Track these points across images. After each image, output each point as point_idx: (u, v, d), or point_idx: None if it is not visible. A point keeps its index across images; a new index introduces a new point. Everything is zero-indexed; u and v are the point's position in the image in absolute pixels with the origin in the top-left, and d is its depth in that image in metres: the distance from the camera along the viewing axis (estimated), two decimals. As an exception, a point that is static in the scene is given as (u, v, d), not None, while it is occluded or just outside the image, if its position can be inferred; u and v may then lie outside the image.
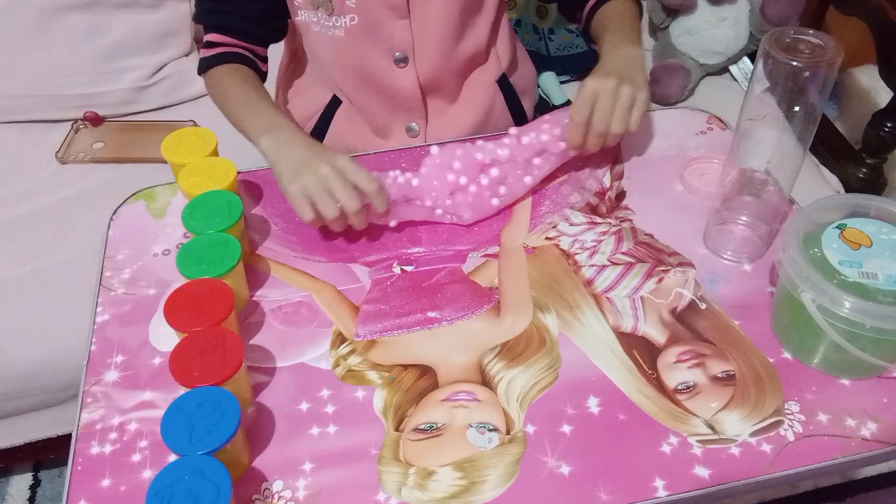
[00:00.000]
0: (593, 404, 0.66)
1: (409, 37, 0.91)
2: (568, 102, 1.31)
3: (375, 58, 0.92)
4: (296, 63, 1.04)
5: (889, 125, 1.24)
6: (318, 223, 0.77)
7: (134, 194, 0.88)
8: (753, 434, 0.63)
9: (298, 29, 0.95)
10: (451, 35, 0.92)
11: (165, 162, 0.83)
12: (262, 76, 0.96)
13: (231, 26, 0.92)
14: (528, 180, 0.83)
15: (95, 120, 1.30)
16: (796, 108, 0.67)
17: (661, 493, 0.59)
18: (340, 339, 0.72)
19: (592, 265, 0.78)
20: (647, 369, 0.68)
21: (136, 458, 0.63)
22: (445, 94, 0.99)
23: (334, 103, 1.01)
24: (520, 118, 1.07)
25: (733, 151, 0.75)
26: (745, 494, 1.23)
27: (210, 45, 0.93)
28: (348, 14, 0.88)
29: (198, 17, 0.96)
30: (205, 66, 0.94)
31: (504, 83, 1.02)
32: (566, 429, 0.64)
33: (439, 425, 0.64)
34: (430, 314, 0.73)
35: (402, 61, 0.92)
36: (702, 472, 0.61)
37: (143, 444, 0.64)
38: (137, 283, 0.77)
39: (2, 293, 1.05)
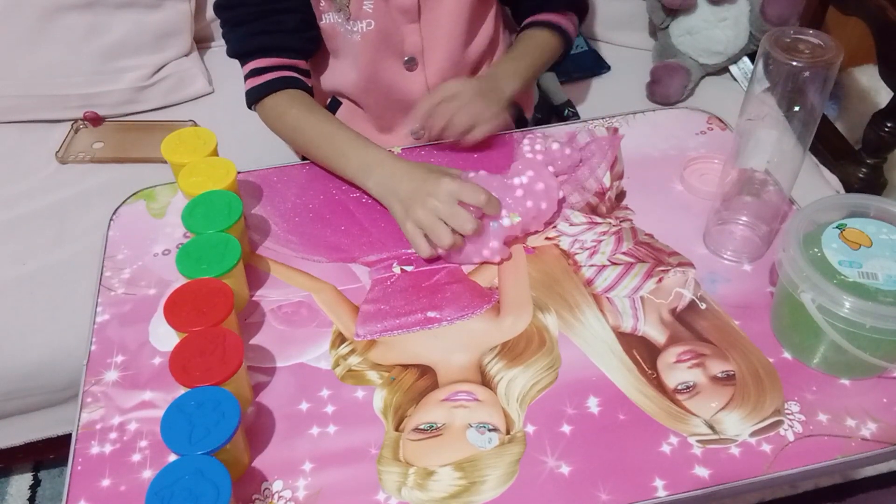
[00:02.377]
0: (593, 404, 0.66)
1: (418, 40, 0.91)
2: (568, 102, 1.31)
3: (387, 62, 0.92)
4: None
5: (889, 125, 1.24)
6: (436, 253, 0.77)
7: (134, 194, 0.88)
8: (753, 434, 0.63)
9: (324, 34, 0.93)
10: (459, 38, 0.92)
11: (165, 162, 0.83)
12: (311, 93, 0.94)
13: (271, 46, 0.90)
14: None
15: (95, 120, 1.30)
16: (796, 108, 0.67)
17: (661, 493, 0.60)
18: (340, 338, 0.72)
19: (592, 265, 0.78)
20: (647, 369, 0.68)
21: (136, 457, 0.63)
22: None
23: (333, 104, 1.01)
24: (518, 118, 1.07)
25: (733, 151, 0.75)
26: (745, 494, 1.23)
27: (255, 73, 0.91)
28: (365, 19, 0.88)
29: (234, 51, 0.93)
30: (257, 97, 0.91)
31: None
32: (566, 429, 0.64)
33: (439, 425, 0.64)
34: (430, 314, 0.73)
35: (411, 64, 0.92)
36: (702, 472, 0.61)
37: (143, 443, 0.64)
38: (137, 283, 0.77)
39: (2, 293, 1.05)
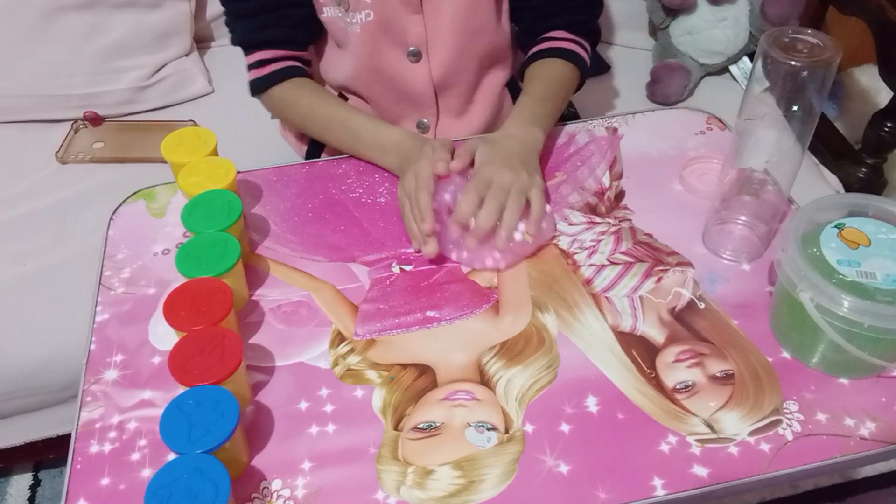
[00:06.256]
0: (592, 403, 0.66)
1: (422, 31, 0.91)
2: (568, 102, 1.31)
3: (390, 53, 0.92)
4: None
5: (889, 125, 1.24)
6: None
7: (134, 194, 0.89)
8: (752, 433, 0.63)
9: (326, 27, 0.95)
10: (464, 30, 0.92)
11: (165, 162, 0.83)
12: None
13: (279, 38, 0.92)
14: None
15: (95, 120, 1.30)
16: (795, 108, 0.67)
17: (660, 493, 0.60)
18: (340, 338, 0.72)
19: (591, 265, 0.78)
20: (645, 368, 0.68)
21: (136, 456, 0.63)
22: (458, 91, 0.98)
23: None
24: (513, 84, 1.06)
25: (732, 151, 0.75)
26: (745, 494, 1.23)
27: (260, 64, 0.92)
28: (364, 10, 0.88)
29: (239, 39, 0.94)
30: (263, 86, 0.93)
31: (513, 86, 1.02)
32: (565, 428, 0.64)
33: (438, 424, 0.64)
34: (430, 313, 0.73)
35: (415, 56, 0.92)
36: (700, 471, 0.61)
37: (143, 442, 0.64)
38: (137, 283, 0.77)
39: (2, 293, 1.05)
